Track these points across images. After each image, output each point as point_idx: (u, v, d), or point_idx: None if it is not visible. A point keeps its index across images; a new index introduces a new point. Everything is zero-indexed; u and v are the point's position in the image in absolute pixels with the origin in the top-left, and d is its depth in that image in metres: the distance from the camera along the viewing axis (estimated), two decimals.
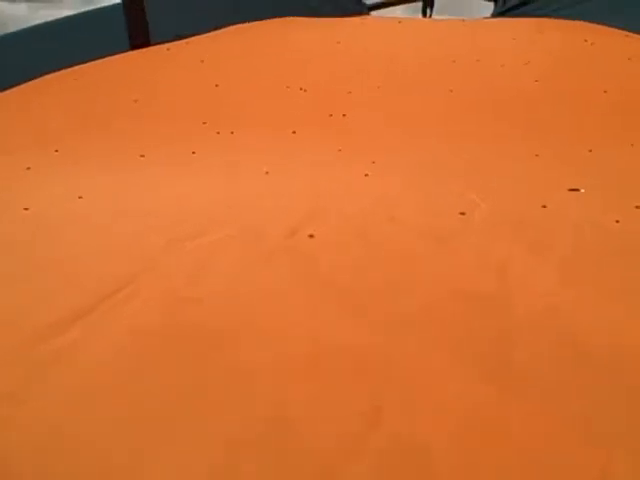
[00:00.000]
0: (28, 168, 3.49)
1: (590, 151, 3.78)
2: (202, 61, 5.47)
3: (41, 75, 5.37)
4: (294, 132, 4.14)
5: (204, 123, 4.33)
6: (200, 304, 1.61)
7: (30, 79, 5.30)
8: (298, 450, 1.08)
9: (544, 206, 2.57)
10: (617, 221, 2.36)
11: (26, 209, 2.58)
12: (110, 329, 1.45)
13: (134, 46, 5.97)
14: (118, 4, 6.08)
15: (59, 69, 5.48)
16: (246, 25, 6.37)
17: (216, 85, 4.99)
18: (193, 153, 3.79)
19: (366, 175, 3.28)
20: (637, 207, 2.55)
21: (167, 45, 5.98)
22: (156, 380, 1.25)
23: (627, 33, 6.03)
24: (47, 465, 1.03)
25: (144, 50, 5.93)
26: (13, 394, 1.20)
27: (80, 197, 2.83)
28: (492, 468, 1.06)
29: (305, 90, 4.87)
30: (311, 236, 2.19)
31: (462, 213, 2.47)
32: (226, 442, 1.09)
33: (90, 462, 1.03)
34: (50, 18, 5.99)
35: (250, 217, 2.45)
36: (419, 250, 2.09)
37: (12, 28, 5.89)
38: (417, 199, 2.80)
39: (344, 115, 4.44)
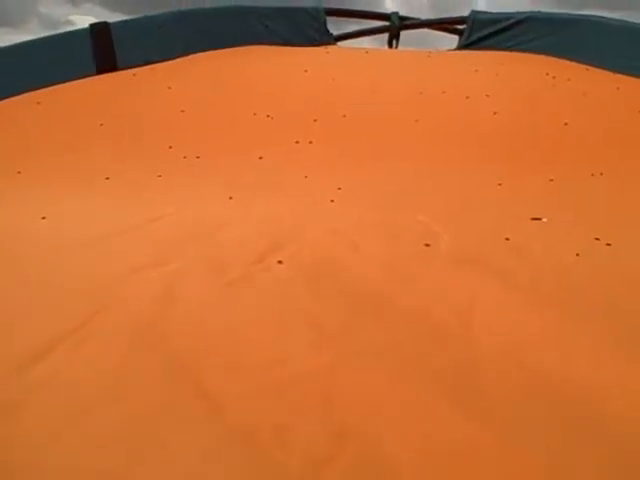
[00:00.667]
0: None
1: (551, 180, 3.85)
2: (169, 87, 5.47)
3: (3, 98, 5.31)
4: (261, 158, 4.15)
5: (170, 147, 4.31)
6: (167, 335, 1.59)
7: None
8: (265, 463, 1.07)
9: (507, 239, 2.60)
10: (577, 254, 2.40)
11: None
12: (75, 363, 1.41)
13: (100, 70, 5.94)
14: (83, 29, 6.05)
15: (21, 92, 5.42)
16: (213, 52, 6.38)
17: (182, 111, 4.98)
18: (159, 176, 3.77)
19: (332, 201, 3.29)
20: (596, 239, 2.60)
21: (134, 70, 5.96)
22: (126, 406, 1.24)
23: (587, 67, 6.18)
24: None
25: (110, 75, 5.90)
26: None
27: (43, 218, 2.80)
28: None
29: (272, 117, 4.88)
30: (280, 262, 2.19)
31: (427, 245, 2.49)
32: (199, 451, 1.10)
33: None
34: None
35: (215, 244, 2.43)
36: (384, 283, 2.09)
37: None
38: (382, 228, 2.81)
39: (310, 142, 4.46)
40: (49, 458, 1.10)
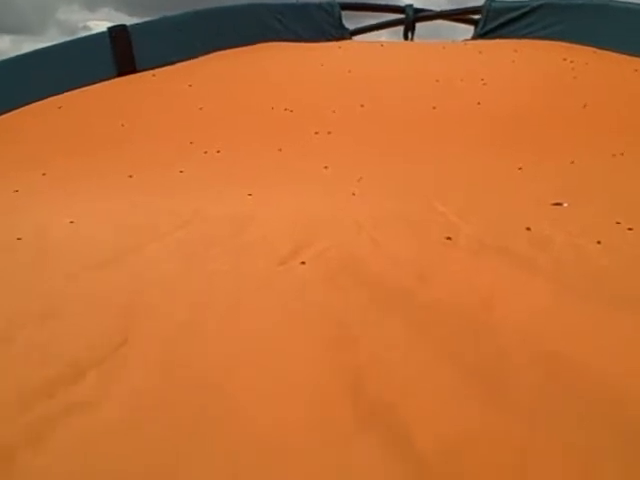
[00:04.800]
0: (16, 191, 3.50)
1: (572, 162, 3.84)
2: (190, 85, 5.52)
3: (26, 104, 5.39)
4: (280, 149, 4.18)
5: (191, 143, 4.37)
6: (198, 348, 1.56)
7: (15, 108, 5.32)
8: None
9: (528, 228, 2.59)
10: (598, 242, 2.38)
11: (19, 239, 2.52)
12: (111, 388, 1.37)
13: (120, 73, 6.02)
14: (101, 32, 6.13)
15: (44, 98, 5.50)
16: (231, 50, 6.44)
17: (201, 108, 5.04)
18: (181, 172, 3.82)
19: (353, 194, 3.29)
20: (617, 223, 2.58)
21: (153, 71, 6.03)
22: (158, 433, 1.21)
23: (605, 51, 6.16)
24: None
25: (130, 77, 5.97)
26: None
27: (71, 222, 2.79)
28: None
29: (291, 110, 4.92)
30: (303, 263, 2.19)
31: (448, 238, 2.49)
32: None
33: None
34: None
35: (238, 247, 2.42)
36: (406, 278, 2.08)
37: None
38: (403, 222, 2.80)
39: (329, 133, 4.49)
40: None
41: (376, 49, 6.75)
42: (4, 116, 5.21)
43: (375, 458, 1.13)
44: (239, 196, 3.23)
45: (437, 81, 5.52)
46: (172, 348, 1.58)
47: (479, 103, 4.97)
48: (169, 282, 2.04)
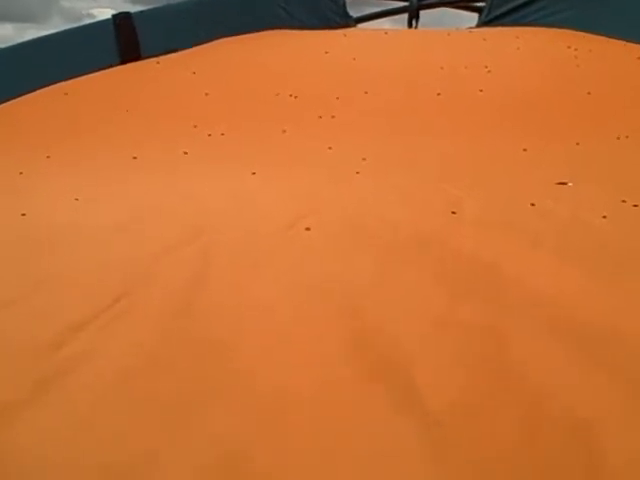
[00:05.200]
0: (21, 173, 3.51)
1: (577, 144, 3.84)
2: (194, 73, 5.53)
3: (31, 91, 5.39)
4: (284, 131, 4.19)
5: (195, 126, 4.37)
6: (198, 313, 1.58)
7: (20, 95, 5.33)
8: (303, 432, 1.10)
9: (533, 204, 2.59)
10: (604, 216, 2.38)
11: (23, 214, 2.56)
12: (109, 343, 1.41)
13: (124, 60, 6.02)
14: (106, 20, 6.13)
15: (49, 85, 5.50)
16: (235, 37, 6.44)
17: (206, 94, 5.04)
18: (185, 153, 3.82)
19: (357, 173, 3.31)
20: (623, 201, 2.58)
21: (157, 59, 6.03)
22: (157, 387, 1.22)
23: (608, 39, 6.14)
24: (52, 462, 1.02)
25: (134, 64, 5.97)
26: (19, 403, 1.16)
27: (76, 199, 2.82)
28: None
29: (295, 97, 4.92)
30: (307, 229, 2.22)
31: (453, 212, 2.49)
32: (231, 434, 1.09)
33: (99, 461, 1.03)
34: None
35: (242, 220, 2.44)
36: (411, 247, 2.10)
37: None
38: (408, 197, 2.81)
39: (333, 117, 4.49)
40: (94, 425, 1.11)
41: (380, 37, 6.74)
42: (9, 103, 5.21)
43: (382, 411, 1.14)
44: (243, 175, 3.24)
45: (441, 68, 5.51)
46: (176, 310, 1.59)
47: (481, 90, 4.96)
48: (174, 251, 2.05)
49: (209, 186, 3.06)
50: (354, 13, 7.51)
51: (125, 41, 6.06)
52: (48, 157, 3.96)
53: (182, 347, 1.38)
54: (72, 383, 1.23)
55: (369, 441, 1.05)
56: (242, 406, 1.15)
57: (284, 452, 1.03)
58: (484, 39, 6.57)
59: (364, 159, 3.58)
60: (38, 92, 5.41)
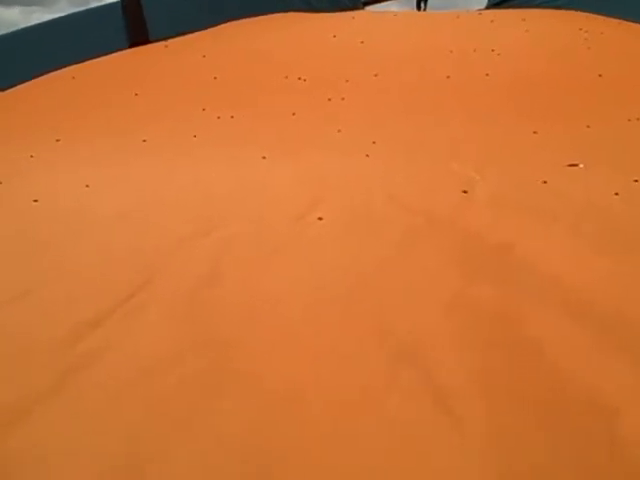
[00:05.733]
0: (31, 156, 3.51)
1: (588, 127, 3.81)
2: (204, 56, 5.51)
3: (40, 75, 5.39)
4: (294, 114, 4.18)
5: (204, 110, 4.36)
6: (210, 310, 1.58)
7: (29, 79, 5.33)
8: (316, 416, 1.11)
9: (545, 182, 2.59)
10: (616, 194, 2.39)
11: (35, 201, 2.55)
12: (127, 336, 1.43)
13: (133, 44, 6.01)
14: (114, 3, 6.11)
15: (57, 68, 5.50)
16: (243, 21, 6.42)
17: (215, 77, 5.03)
18: (194, 137, 3.82)
19: (367, 156, 3.30)
20: (635, 181, 2.59)
21: (166, 42, 6.02)
22: (168, 387, 1.23)
23: (620, 21, 6.09)
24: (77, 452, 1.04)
25: (143, 47, 5.96)
26: (34, 399, 1.18)
27: (87, 186, 2.80)
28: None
29: (304, 80, 4.91)
30: (320, 219, 2.21)
31: (464, 191, 2.49)
32: (242, 434, 1.10)
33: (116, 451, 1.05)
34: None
35: (254, 208, 2.43)
36: (424, 227, 2.10)
37: (5, 32, 5.87)
38: (419, 179, 2.81)
39: (343, 99, 4.48)
40: (106, 425, 1.12)
41: (389, 20, 6.71)
42: (19, 87, 5.22)
43: (397, 399, 1.16)
44: (253, 159, 3.24)
45: (451, 52, 5.49)
46: (188, 307, 1.59)
47: (487, 74, 4.93)
48: (185, 244, 2.05)
49: (219, 171, 3.05)
50: None
51: (133, 24, 6.05)
52: (58, 140, 3.96)
53: (194, 346, 1.38)
54: (86, 381, 1.24)
55: (387, 429, 1.07)
56: (253, 405, 1.16)
57: (299, 450, 1.04)
58: (492, 20, 6.53)
59: (374, 142, 3.57)
60: (47, 76, 5.42)
